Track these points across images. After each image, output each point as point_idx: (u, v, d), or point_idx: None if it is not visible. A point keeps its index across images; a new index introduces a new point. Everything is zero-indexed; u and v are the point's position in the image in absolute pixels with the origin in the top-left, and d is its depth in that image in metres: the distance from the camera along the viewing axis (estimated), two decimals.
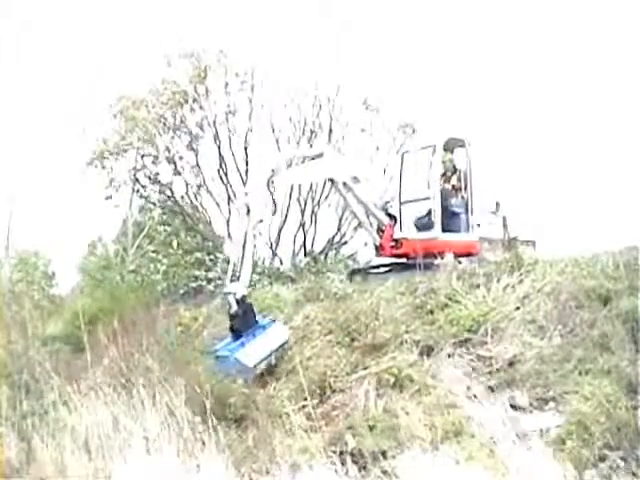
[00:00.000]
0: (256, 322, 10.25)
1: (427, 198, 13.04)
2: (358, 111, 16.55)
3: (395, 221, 13.01)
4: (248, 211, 10.54)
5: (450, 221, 12.89)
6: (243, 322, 10.05)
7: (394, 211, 13.16)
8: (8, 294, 15.79)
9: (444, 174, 13.28)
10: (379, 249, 13.05)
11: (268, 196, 10.80)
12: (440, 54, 18.60)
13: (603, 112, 19.45)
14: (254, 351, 9.84)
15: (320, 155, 11.84)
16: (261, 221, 11.10)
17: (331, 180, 12.41)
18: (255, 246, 11.82)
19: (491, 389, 8.42)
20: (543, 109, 19.70)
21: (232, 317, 10.11)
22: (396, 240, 12.85)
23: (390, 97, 16.41)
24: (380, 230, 12.96)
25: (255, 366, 9.65)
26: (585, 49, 20.85)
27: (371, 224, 12.97)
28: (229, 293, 10.12)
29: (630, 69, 19.39)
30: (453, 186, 13.21)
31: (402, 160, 13.62)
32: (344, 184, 12.29)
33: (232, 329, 10.13)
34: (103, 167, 15.98)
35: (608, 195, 17.29)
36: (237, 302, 10.04)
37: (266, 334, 10.21)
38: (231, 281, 10.25)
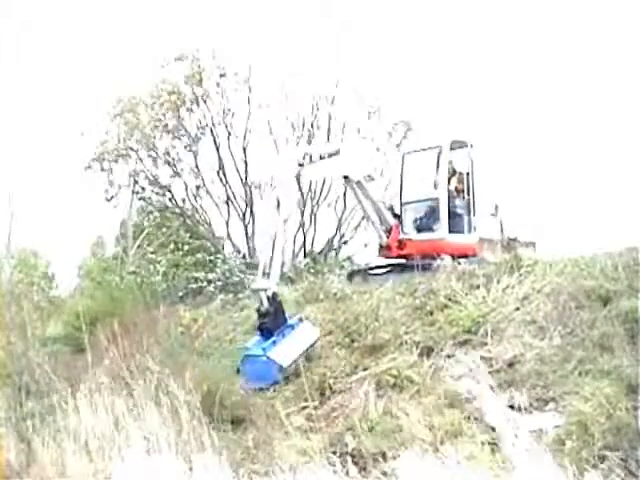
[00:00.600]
0: (285, 320, 9.96)
1: (429, 199, 13.04)
2: (358, 111, 16.55)
3: (401, 222, 12.97)
4: (278, 205, 10.44)
5: (453, 222, 12.89)
6: (274, 320, 9.76)
7: (398, 212, 13.13)
8: (8, 295, 15.77)
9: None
10: (386, 249, 12.94)
11: (296, 190, 10.68)
12: (440, 55, 18.60)
13: (603, 113, 19.46)
14: (286, 350, 9.51)
15: (337, 152, 11.75)
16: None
17: (345, 177, 12.24)
18: (286, 241, 11.67)
19: (491, 389, 8.40)
20: (543, 111, 19.72)
21: (262, 315, 9.81)
22: (400, 241, 12.80)
23: (390, 97, 16.42)
24: (387, 231, 12.89)
25: (288, 366, 9.35)
26: (585, 51, 20.86)
27: (382, 223, 12.86)
28: (260, 290, 9.87)
29: (630, 70, 19.39)
30: (455, 188, 13.21)
31: (403, 161, 13.62)
32: (357, 182, 12.21)
33: (261, 328, 9.81)
34: (102, 169, 15.98)
35: (608, 196, 17.30)
36: (268, 299, 9.81)
37: (295, 333, 9.88)
38: (262, 277, 10.02)
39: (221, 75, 15.90)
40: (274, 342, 9.59)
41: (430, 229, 12.83)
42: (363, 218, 13.69)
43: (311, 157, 11.14)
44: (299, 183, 10.88)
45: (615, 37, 20.58)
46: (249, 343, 9.86)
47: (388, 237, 12.84)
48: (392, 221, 12.87)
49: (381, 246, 12.98)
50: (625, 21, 19.99)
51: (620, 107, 18.74)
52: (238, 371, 9.66)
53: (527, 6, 21.98)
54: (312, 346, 9.90)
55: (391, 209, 13.14)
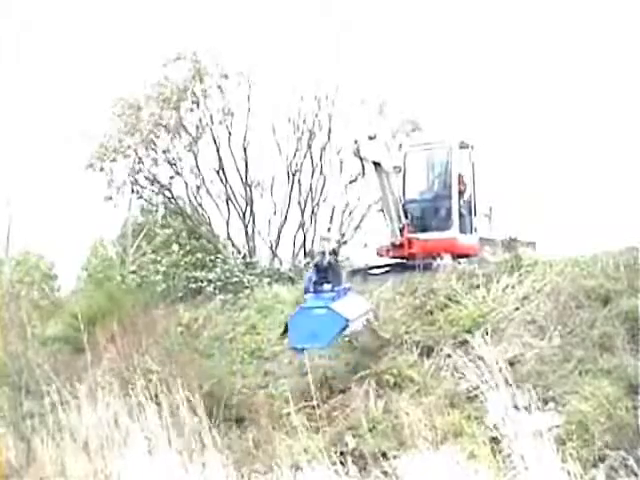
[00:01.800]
0: (342, 281, 9.63)
1: (435, 198, 13.02)
2: (358, 110, 16.53)
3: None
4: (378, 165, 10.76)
5: (459, 222, 12.89)
6: (335, 275, 9.49)
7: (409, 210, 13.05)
8: (8, 295, 15.78)
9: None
10: (399, 248, 12.80)
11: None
12: (440, 55, 18.64)
13: (603, 113, 19.46)
14: (347, 306, 9.09)
15: (374, 137, 11.70)
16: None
17: (378, 164, 11.97)
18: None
19: (491, 389, 8.39)
20: (543, 111, 19.73)
21: (324, 269, 9.49)
22: (409, 240, 12.70)
23: (390, 97, 16.41)
24: (400, 229, 12.80)
25: (353, 320, 8.81)
26: (585, 52, 20.87)
27: (400, 220, 12.76)
28: (325, 239, 9.81)
29: (630, 70, 19.40)
30: (459, 189, 13.18)
31: (405, 160, 13.60)
32: (386, 173, 12.05)
33: (318, 283, 9.41)
34: (102, 168, 15.97)
35: (608, 195, 17.30)
36: (330, 253, 9.60)
37: (350, 297, 9.52)
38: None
39: (222, 75, 15.89)
40: (334, 298, 9.14)
41: (438, 228, 12.78)
42: (384, 214, 13.52)
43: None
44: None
45: (615, 37, 20.61)
46: (305, 304, 9.32)
47: (401, 235, 12.74)
48: (404, 220, 12.81)
49: (393, 244, 12.83)
50: (625, 21, 20.02)
51: (620, 107, 18.76)
52: (285, 331, 9.18)
53: (526, 7, 22.01)
54: (368, 313, 9.45)
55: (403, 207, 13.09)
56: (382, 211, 12.77)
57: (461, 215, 13.01)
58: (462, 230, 12.91)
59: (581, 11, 21.16)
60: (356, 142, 10.95)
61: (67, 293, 18.65)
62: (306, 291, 9.60)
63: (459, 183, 13.19)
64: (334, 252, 9.68)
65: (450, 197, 12.89)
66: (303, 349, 8.76)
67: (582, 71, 20.75)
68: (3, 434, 9.12)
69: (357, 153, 10.98)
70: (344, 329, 8.74)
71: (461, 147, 13.30)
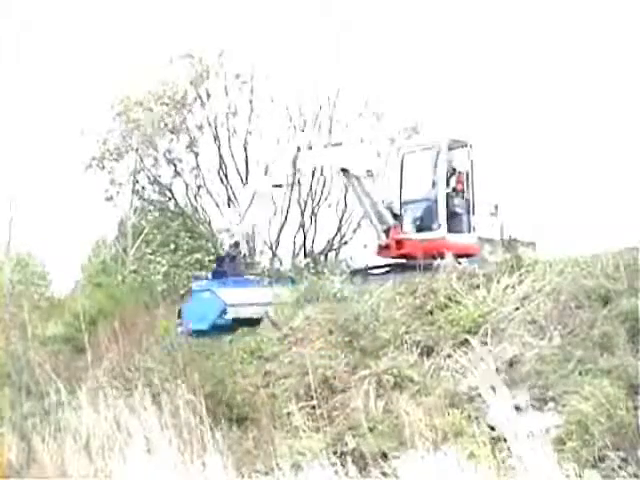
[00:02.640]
0: (242, 274, 10.02)
1: (427, 199, 13.04)
2: (358, 111, 16.55)
3: (400, 221, 12.97)
4: (266, 172, 10.83)
5: (452, 222, 12.89)
6: (231, 266, 9.83)
7: (398, 211, 13.13)
8: (8, 295, 15.79)
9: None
10: (385, 249, 12.94)
11: (291, 170, 10.90)
12: (440, 55, 18.61)
13: (603, 113, 19.46)
14: (235, 294, 9.43)
15: (339, 144, 11.88)
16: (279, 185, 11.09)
17: (345, 170, 12.23)
18: (274, 204, 11.85)
19: (491, 389, 8.40)
20: (544, 110, 19.71)
21: (220, 260, 9.97)
22: (398, 240, 12.80)
23: (390, 97, 16.42)
24: (386, 230, 12.90)
25: (232, 305, 9.19)
26: (585, 50, 20.87)
27: (381, 223, 12.87)
28: (226, 230, 10.14)
29: (630, 70, 19.40)
30: (454, 188, 13.20)
31: (402, 160, 13.62)
32: (357, 178, 12.18)
33: (215, 272, 9.88)
34: (103, 168, 15.98)
35: (608, 195, 17.30)
36: (230, 246, 9.96)
37: (250, 288, 9.90)
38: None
39: (223, 76, 15.91)
40: (224, 283, 9.55)
41: (429, 229, 12.84)
42: (363, 217, 13.72)
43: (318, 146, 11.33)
44: (295, 167, 11.02)
45: (615, 37, 20.61)
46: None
47: (387, 237, 12.86)
48: (391, 221, 12.89)
49: (380, 246, 13.00)
50: (625, 21, 20.02)
51: (620, 107, 18.76)
52: (179, 315, 9.45)
53: (527, 6, 22.01)
54: (266, 305, 9.78)
55: (390, 209, 13.15)
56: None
57: (456, 214, 13.02)
58: (457, 230, 12.91)
59: (581, 9, 21.17)
60: (299, 149, 11.03)
61: (67, 293, 18.65)
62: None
63: (457, 182, 13.20)
64: (236, 244, 10.00)
65: (439, 198, 12.90)
66: (194, 332, 9.28)
67: (582, 71, 20.76)
68: (4, 434, 9.13)
69: (293, 162, 10.95)
70: (224, 312, 9.11)
71: (458, 146, 13.28)
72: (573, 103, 19.55)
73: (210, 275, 10.10)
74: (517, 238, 12.66)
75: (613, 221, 14.17)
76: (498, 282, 10.10)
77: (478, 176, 13.44)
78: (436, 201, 12.90)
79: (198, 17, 16.65)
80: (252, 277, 10.37)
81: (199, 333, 9.47)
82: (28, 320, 12.21)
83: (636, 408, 7.20)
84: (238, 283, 9.82)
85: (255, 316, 9.62)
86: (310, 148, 11.42)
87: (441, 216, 12.76)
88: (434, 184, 13.16)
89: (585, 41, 21.05)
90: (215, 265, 10.15)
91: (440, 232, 12.71)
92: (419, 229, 12.93)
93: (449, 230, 12.77)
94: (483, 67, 20.22)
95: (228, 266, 9.84)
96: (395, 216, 13.01)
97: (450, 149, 13.24)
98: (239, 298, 9.47)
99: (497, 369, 8.58)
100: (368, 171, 12.33)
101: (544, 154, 18.49)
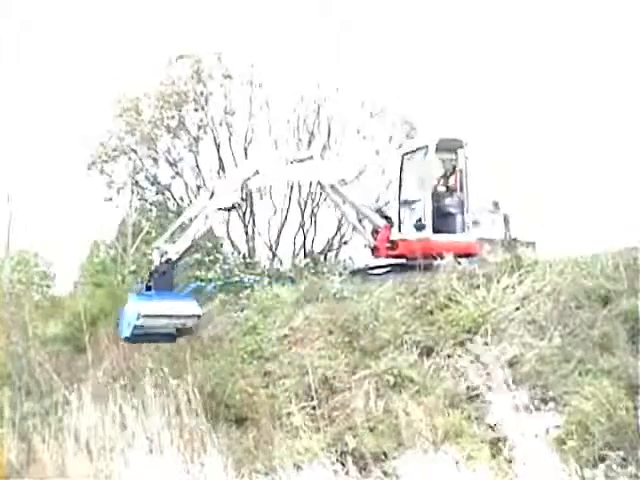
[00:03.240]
0: (171, 289, 10.46)
1: (419, 199, 13.04)
2: (358, 111, 16.55)
3: (392, 223, 12.97)
4: (212, 195, 11.11)
5: (444, 222, 12.84)
6: (159, 281, 10.27)
7: (391, 212, 13.14)
8: (8, 295, 15.79)
9: (444, 175, 13.26)
10: (374, 251, 13.01)
11: (237, 191, 11.21)
12: (439, 54, 18.60)
13: (603, 112, 19.44)
14: (155, 307, 9.98)
15: (310, 158, 12.17)
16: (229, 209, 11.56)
17: (319, 183, 12.61)
18: (210, 230, 12.20)
19: (491, 389, 8.41)
20: (543, 109, 19.69)
21: (150, 274, 10.38)
22: (392, 241, 12.81)
23: (390, 97, 16.42)
24: (375, 232, 12.94)
25: (146, 316, 9.78)
26: (584, 49, 20.86)
27: (364, 227, 13.00)
28: (157, 248, 10.49)
29: (630, 69, 19.39)
30: (448, 187, 13.17)
31: (402, 161, 13.61)
32: (332, 187, 12.43)
33: (146, 287, 10.35)
34: (103, 169, 15.98)
35: (608, 195, 17.28)
36: (161, 261, 10.32)
37: (177, 302, 10.35)
38: (166, 242, 10.67)
39: (224, 76, 15.91)
40: (149, 297, 10.15)
41: (417, 229, 12.83)
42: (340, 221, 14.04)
43: (288, 161, 11.66)
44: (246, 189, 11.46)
45: (615, 37, 20.60)
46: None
47: (376, 239, 12.89)
48: (380, 222, 12.90)
49: (370, 248, 13.06)
50: (625, 21, 20.02)
51: (620, 107, 18.74)
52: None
53: (526, 5, 22.00)
54: (190, 317, 10.35)
55: (379, 211, 13.19)
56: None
57: (449, 214, 12.99)
58: (448, 229, 12.84)
59: (581, 8, 21.17)
60: (257, 172, 11.44)
61: (66, 294, 18.63)
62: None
63: (452, 181, 13.18)
64: (167, 262, 10.40)
65: (424, 198, 12.90)
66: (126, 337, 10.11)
67: (582, 71, 20.75)
68: (4, 434, 9.13)
69: (244, 184, 11.36)
70: (138, 320, 9.82)
71: (452, 145, 13.24)
72: (573, 102, 19.54)
73: (144, 287, 10.61)
74: (517, 238, 12.66)
75: (613, 221, 14.16)
76: (498, 282, 10.09)
77: (478, 176, 13.41)
78: (422, 200, 12.89)
79: (198, 17, 16.66)
80: (183, 292, 10.99)
81: (127, 340, 10.36)
82: (29, 320, 12.22)
83: (636, 408, 7.20)
84: (162, 297, 10.30)
85: (168, 329, 10.38)
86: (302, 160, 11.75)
87: (427, 216, 12.74)
88: (422, 184, 13.15)
89: (584, 39, 21.05)
90: (146, 281, 10.60)
91: (425, 233, 12.67)
92: (418, 229, 12.89)
93: (439, 230, 12.72)
94: (482, 65, 20.22)
95: (156, 281, 10.32)
96: (386, 218, 13.03)
97: (443, 149, 13.19)
98: (161, 310, 10.14)
99: (497, 369, 8.61)
100: (341, 180, 12.53)
101: (544, 153, 18.47)
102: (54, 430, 8.76)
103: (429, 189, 12.89)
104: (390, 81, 16.11)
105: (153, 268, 10.39)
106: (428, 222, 12.69)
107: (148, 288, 10.37)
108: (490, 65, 20.39)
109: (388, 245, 12.84)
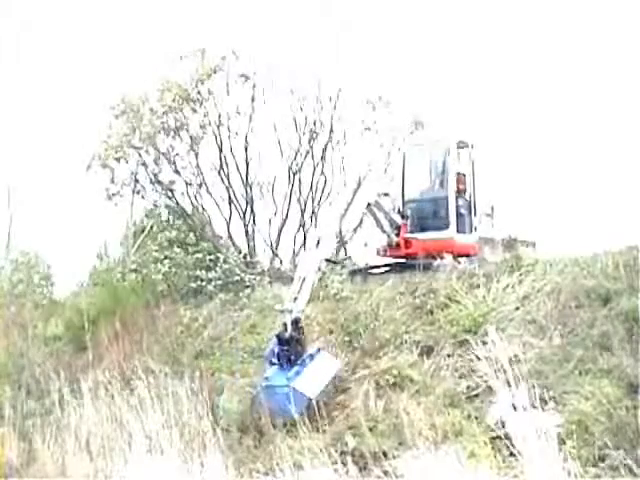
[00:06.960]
0: (305, 349, 9.43)
1: (434, 198, 13.03)
2: (358, 111, 16.54)
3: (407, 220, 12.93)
4: (318, 243, 10.49)
5: (458, 222, 12.88)
6: (298, 348, 9.22)
7: (405, 211, 13.08)
8: (8, 295, 15.80)
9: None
10: (395, 248, 12.80)
11: (338, 231, 10.97)
12: (440, 54, 18.62)
13: (603, 113, 19.45)
14: (310, 381, 8.95)
15: (386, 195, 12.28)
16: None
17: (367, 204, 12.01)
18: (320, 270, 11.49)
19: (491, 389, 8.42)
20: (543, 110, 19.71)
21: (286, 342, 9.22)
22: (405, 240, 12.72)
23: (390, 97, 16.42)
24: (396, 229, 12.83)
25: (316, 397, 8.71)
26: (585, 50, 20.87)
27: (391, 225, 12.82)
28: (287, 310, 9.43)
29: (630, 70, 19.40)
30: (458, 188, 13.18)
31: (404, 159, 13.61)
32: (375, 202, 12.15)
33: (280, 356, 9.17)
34: (104, 168, 15.97)
35: (608, 195, 17.29)
36: (292, 324, 9.29)
37: (316, 363, 9.31)
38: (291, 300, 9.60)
39: (225, 76, 15.90)
40: (297, 372, 8.99)
41: (437, 228, 12.77)
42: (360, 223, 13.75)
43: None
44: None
45: (615, 37, 20.61)
46: (268, 373, 9.20)
47: (397, 235, 12.75)
48: (400, 220, 12.83)
49: (390, 245, 12.84)
50: (625, 21, 20.03)
51: (620, 107, 18.75)
52: (253, 402, 9.07)
53: (526, 7, 22.01)
54: (335, 377, 9.37)
55: (397, 208, 13.10)
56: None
57: (460, 214, 13.00)
58: (461, 230, 12.89)
59: (582, 9, 21.18)
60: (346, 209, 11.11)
61: (68, 293, 18.64)
62: (268, 362, 9.40)
63: (458, 182, 13.17)
64: (296, 322, 9.32)
65: (447, 197, 12.88)
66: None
67: (583, 71, 20.76)
68: (5, 433, 9.14)
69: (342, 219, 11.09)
70: (309, 405, 8.61)
71: (461, 146, 13.29)
72: (573, 103, 19.56)
73: (275, 359, 9.28)
74: (517, 238, 12.68)
75: (613, 221, 14.16)
76: (498, 282, 10.11)
77: (478, 176, 13.43)
78: (444, 201, 12.84)
79: (199, 17, 16.67)
80: (316, 347, 9.78)
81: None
82: (29, 319, 12.23)
83: (636, 408, 7.21)
84: (310, 360, 9.32)
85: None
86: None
87: (451, 216, 12.73)
88: (442, 183, 13.11)
89: (585, 41, 21.06)
90: (277, 347, 9.29)
91: (450, 232, 12.66)
92: (424, 229, 12.83)
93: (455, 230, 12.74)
94: (482, 67, 20.24)
95: (296, 351, 9.21)
96: (403, 215, 12.96)
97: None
98: (318, 385, 8.99)
99: (497, 369, 8.61)
100: (384, 194, 12.44)
101: (544, 154, 18.48)
102: (54, 429, 8.77)
103: (453, 188, 12.88)
104: (390, 81, 16.11)
105: (287, 337, 9.20)
106: (453, 221, 12.69)
107: (282, 361, 9.12)
108: (489, 67, 20.41)
109: (404, 243, 12.74)
